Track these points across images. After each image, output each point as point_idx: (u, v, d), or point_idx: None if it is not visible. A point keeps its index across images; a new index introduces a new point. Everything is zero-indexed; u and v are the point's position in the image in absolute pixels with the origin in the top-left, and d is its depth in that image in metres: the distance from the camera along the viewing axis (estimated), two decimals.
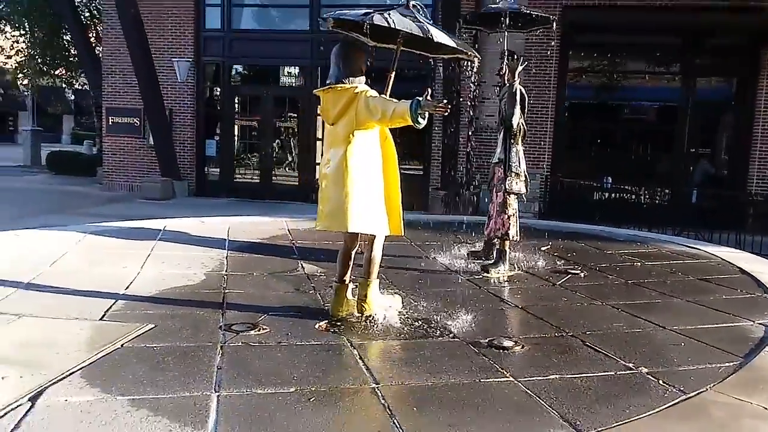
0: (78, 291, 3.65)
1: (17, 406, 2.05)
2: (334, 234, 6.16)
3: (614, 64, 13.08)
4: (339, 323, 3.27)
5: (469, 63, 3.87)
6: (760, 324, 3.44)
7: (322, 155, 3.46)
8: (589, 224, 7.85)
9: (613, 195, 12.53)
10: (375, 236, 3.30)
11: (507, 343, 2.98)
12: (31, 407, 2.06)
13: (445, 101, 2.80)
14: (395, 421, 2.06)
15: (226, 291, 3.86)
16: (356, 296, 3.35)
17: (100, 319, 3.10)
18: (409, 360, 2.72)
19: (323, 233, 6.14)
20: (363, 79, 3.22)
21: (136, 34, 12.75)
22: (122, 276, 4.10)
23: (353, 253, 3.44)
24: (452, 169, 11.98)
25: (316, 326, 3.21)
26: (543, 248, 5.68)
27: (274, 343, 2.88)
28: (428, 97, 2.81)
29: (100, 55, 16.00)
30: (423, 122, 2.87)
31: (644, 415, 2.16)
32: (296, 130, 14.33)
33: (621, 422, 2.10)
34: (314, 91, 3.37)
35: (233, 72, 14.42)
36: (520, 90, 4.88)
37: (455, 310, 3.58)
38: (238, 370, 2.48)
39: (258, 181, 14.37)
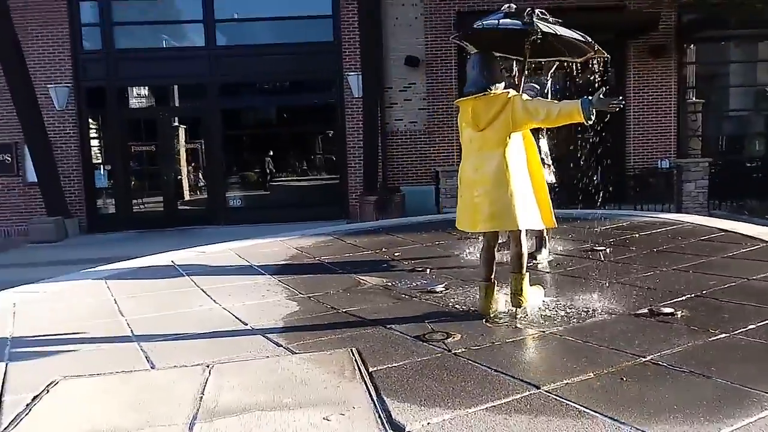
0: (209, 333, 3.40)
1: None
2: (349, 247, 6.24)
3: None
4: (499, 319, 3.41)
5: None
6: None
7: (461, 162, 3.54)
8: None
9: None
10: (520, 232, 3.47)
11: (666, 310, 3.32)
12: None
13: (620, 98, 3.06)
14: (719, 380, 2.31)
15: (344, 310, 3.78)
16: (511, 291, 3.50)
17: (299, 353, 2.94)
18: (626, 336, 2.93)
19: (333, 248, 6.21)
20: (503, 84, 3.38)
21: (14, 57, 11.33)
22: (217, 313, 3.86)
23: (495, 251, 3.59)
24: (382, 173, 12.24)
25: (487, 324, 3.32)
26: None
27: (488, 344, 2.95)
28: (601, 95, 3.06)
29: None
30: (593, 119, 3.11)
31: None
32: (202, 151, 13.66)
33: None
34: (456, 101, 3.45)
35: (122, 94, 13.33)
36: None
37: (571, 291, 3.89)
38: (515, 371, 2.55)
39: (161, 209, 13.45)
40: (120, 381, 2.67)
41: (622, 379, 2.39)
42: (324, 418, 2.15)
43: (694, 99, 14.71)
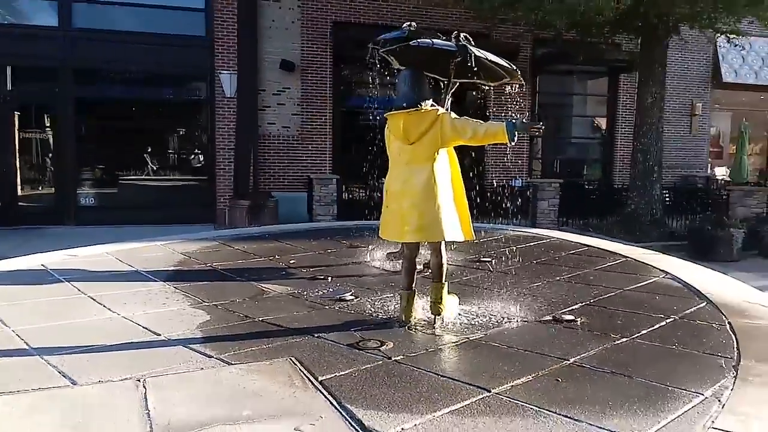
0: (121, 345, 3.15)
1: None
2: (239, 253, 6.03)
3: (379, 76, 14.49)
4: (422, 326, 3.54)
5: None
6: (664, 278, 4.82)
7: (388, 173, 3.63)
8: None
9: (379, 194, 13.94)
10: (441, 243, 3.64)
11: (568, 317, 3.68)
12: None
13: (541, 123, 3.34)
14: (639, 378, 2.62)
15: (260, 319, 3.69)
16: (430, 299, 3.64)
17: (235, 363, 2.82)
18: (543, 341, 3.20)
19: (222, 254, 6.00)
20: (431, 101, 3.53)
21: None
22: (120, 322, 3.58)
23: (416, 261, 3.72)
24: (253, 178, 11.91)
25: (411, 331, 3.44)
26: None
27: (423, 351, 3.06)
28: (524, 120, 3.32)
29: None
30: (515, 141, 3.36)
31: (734, 341, 3.13)
32: (50, 142, 12.33)
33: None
34: (386, 114, 3.53)
35: None
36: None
37: (476, 299, 4.13)
38: (460, 375, 2.69)
39: None
40: (41, 400, 2.39)
41: (557, 380, 2.62)
42: (295, 429, 2.12)
43: None
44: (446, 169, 3.56)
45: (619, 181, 15.41)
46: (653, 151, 12.29)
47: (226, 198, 12.44)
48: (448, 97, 5.15)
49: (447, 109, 4.47)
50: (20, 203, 12.16)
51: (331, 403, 2.35)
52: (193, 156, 13.75)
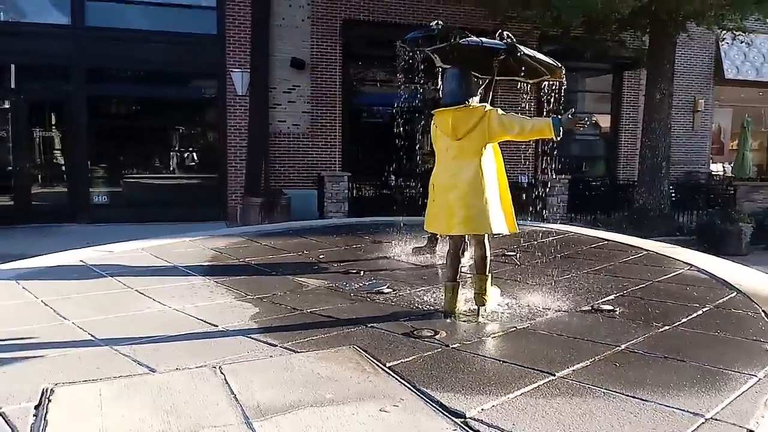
0: (184, 336, 3.26)
1: None
2: (267, 249, 6.14)
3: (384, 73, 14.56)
4: (466, 317, 3.66)
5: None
6: (690, 270, 4.95)
7: (434, 168, 3.75)
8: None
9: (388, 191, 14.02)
10: (485, 236, 3.76)
11: (606, 307, 3.81)
12: None
13: (586, 119, 3.46)
14: (692, 362, 2.75)
15: (309, 311, 3.80)
16: (475, 290, 3.76)
17: (301, 351, 2.94)
18: (590, 329, 3.33)
19: (251, 249, 6.10)
20: (478, 98, 3.65)
21: None
22: (174, 315, 3.69)
23: (460, 253, 3.84)
24: (264, 175, 11.99)
25: (458, 321, 3.56)
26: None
27: (477, 340, 3.20)
28: (570, 116, 3.44)
29: None
30: (561, 136, 3.48)
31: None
32: (62, 140, 12.38)
33: None
34: (435, 110, 3.65)
35: None
36: None
37: (512, 291, 4.25)
38: (522, 361, 2.81)
39: (11, 203, 12.01)
40: (126, 386, 2.49)
41: (615, 364, 2.75)
42: (381, 410, 2.23)
43: None
44: (492, 163, 3.68)
45: (622, 177, 15.55)
46: (661, 147, 12.44)
47: (237, 196, 12.53)
48: (489, 93, 5.24)
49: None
50: (33, 201, 12.21)
51: (407, 386, 2.47)
52: (204, 154, 13.82)
